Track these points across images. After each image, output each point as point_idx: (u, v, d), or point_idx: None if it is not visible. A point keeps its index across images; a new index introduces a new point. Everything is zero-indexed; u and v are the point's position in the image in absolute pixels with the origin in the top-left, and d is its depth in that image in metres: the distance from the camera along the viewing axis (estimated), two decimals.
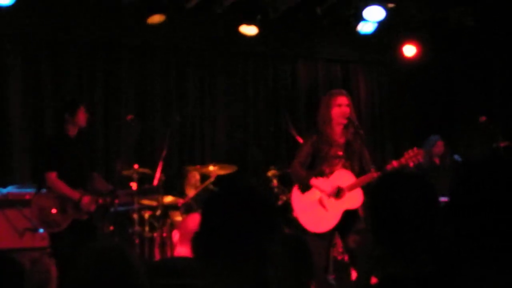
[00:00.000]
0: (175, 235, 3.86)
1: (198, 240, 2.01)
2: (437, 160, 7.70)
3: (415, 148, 5.45)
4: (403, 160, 5.41)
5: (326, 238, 5.41)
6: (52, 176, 5.72)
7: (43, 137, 7.38)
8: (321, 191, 5.46)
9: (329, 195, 5.44)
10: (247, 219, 1.96)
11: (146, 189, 6.63)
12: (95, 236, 5.91)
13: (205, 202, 2.10)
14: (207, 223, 2.01)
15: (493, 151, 7.23)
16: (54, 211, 5.67)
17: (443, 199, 2.42)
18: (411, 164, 5.42)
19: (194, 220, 3.74)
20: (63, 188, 5.72)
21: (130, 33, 7.95)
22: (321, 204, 5.46)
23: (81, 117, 5.87)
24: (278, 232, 2.03)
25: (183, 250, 3.66)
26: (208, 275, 1.96)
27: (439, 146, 7.66)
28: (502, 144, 7.22)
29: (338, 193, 5.41)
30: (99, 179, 6.15)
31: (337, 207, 5.41)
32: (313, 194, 5.51)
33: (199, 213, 5.41)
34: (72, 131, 5.89)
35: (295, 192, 5.60)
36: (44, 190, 5.78)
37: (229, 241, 1.93)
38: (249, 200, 2.01)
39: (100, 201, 5.85)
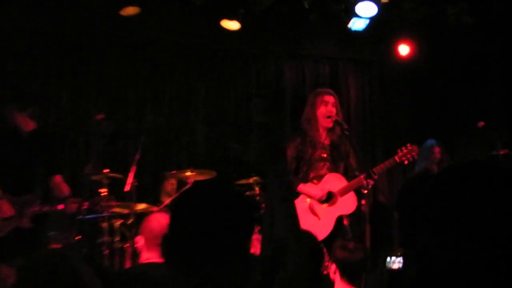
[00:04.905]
0: (139, 241, 3.85)
1: (168, 244, 1.89)
2: (435, 168, 7.25)
3: (408, 145, 5.45)
4: (397, 158, 5.41)
5: None
6: None
7: None
8: (310, 197, 5.36)
9: (319, 201, 5.35)
10: (223, 217, 1.85)
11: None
12: (35, 247, 5.28)
13: (175, 201, 1.92)
14: (177, 223, 1.89)
15: (492, 159, 7.10)
16: None
17: None
18: (406, 162, 5.45)
19: (158, 220, 3.71)
20: None
21: (101, 26, 7.70)
22: (313, 212, 5.35)
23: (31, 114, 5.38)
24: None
25: (149, 255, 3.65)
26: (183, 283, 1.82)
27: (436, 153, 7.28)
28: (501, 152, 7.14)
29: (328, 198, 5.31)
30: (59, 183, 5.51)
31: (330, 214, 5.34)
32: (303, 202, 5.40)
33: (162, 212, 5.10)
34: (25, 126, 5.37)
35: None
36: None
37: (204, 243, 1.81)
38: (224, 195, 1.90)
39: (36, 208, 5.20)
